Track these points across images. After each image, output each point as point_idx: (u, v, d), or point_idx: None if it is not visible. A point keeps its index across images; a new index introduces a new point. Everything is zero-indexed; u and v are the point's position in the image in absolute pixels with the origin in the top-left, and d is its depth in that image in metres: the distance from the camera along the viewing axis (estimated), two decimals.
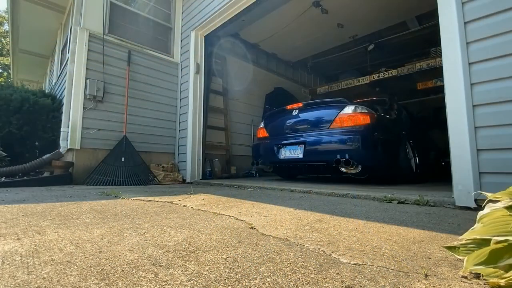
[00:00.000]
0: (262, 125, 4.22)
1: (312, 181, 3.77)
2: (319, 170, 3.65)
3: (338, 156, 2.93)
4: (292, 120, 3.70)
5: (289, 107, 3.79)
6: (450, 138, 1.85)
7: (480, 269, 0.67)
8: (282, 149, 3.64)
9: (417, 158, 3.67)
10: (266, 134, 4.09)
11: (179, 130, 4.89)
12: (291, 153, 3.49)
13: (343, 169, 3.02)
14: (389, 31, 6.45)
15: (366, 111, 3.07)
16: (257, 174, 5.77)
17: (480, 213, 0.80)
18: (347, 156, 2.89)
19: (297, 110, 3.66)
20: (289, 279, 0.67)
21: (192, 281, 0.65)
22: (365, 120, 3.03)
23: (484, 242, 0.72)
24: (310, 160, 3.28)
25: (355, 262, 0.79)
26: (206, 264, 0.76)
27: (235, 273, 0.70)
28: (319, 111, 3.45)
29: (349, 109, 3.15)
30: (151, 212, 1.54)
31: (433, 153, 5.07)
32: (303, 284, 0.65)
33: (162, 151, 4.76)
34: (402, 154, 3.33)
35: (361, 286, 0.64)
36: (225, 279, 0.66)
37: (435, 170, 5.10)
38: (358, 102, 3.29)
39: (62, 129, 4.04)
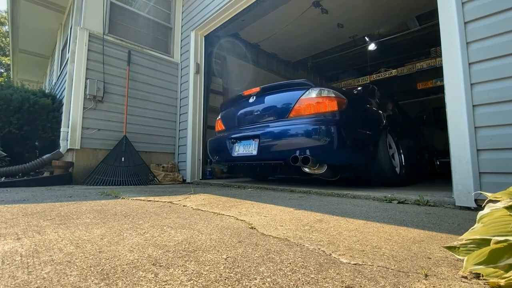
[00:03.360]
0: (219, 116, 3.60)
1: (311, 182, 3.75)
2: (278, 170, 3.03)
3: (297, 153, 2.37)
4: (248, 109, 3.06)
5: (245, 92, 3.17)
6: (450, 138, 1.85)
7: (480, 269, 0.67)
8: (236, 144, 3.04)
9: (402, 156, 3.18)
10: (222, 127, 3.43)
11: (179, 130, 4.89)
12: (245, 149, 2.89)
13: (306, 169, 2.42)
14: (389, 31, 6.46)
15: (334, 96, 2.49)
16: (211, 174, 4.78)
17: (480, 213, 0.80)
18: (307, 152, 2.33)
19: (254, 97, 3.05)
20: (289, 279, 0.67)
21: (192, 281, 0.65)
22: (332, 106, 2.46)
23: (484, 242, 0.72)
24: (265, 158, 2.69)
25: (355, 262, 0.79)
26: (206, 264, 0.76)
27: (235, 273, 0.70)
28: (278, 96, 2.84)
29: (312, 93, 2.57)
30: (151, 212, 1.54)
31: (426, 152, 4.68)
32: (303, 284, 0.65)
33: (162, 151, 4.77)
34: (382, 151, 2.78)
35: (361, 286, 0.64)
36: (225, 279, 0.66)
37: (428, 170, 4.71)
38: (328, 86, 2.70)
39: (62, 129, 4.04)
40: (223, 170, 4.70)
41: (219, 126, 3.51)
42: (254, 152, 2.76)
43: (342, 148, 2.39)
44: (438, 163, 5.63)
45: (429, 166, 4.80)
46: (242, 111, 3.17)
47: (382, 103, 3.36)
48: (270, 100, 2.91)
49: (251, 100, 3.08)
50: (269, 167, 2.98)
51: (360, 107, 2.86)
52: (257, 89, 3.05)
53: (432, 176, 4.80)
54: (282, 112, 2.73)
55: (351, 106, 2.61)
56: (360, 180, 3.55)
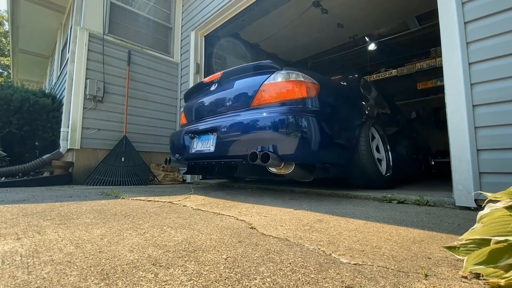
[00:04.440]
0: (183, 108, 3.20)
1: (311, 182, 3.72)
2: (241, 170, 2.54)
3: (259, 149, 1.96)
4: (209, 98, 2.69)
5: (206, 79, 2.81)
6: (450, 138, 1.85)
7: (480, 269, 0.67)
8: (195, 140, 2.66)
9: (389, 154, 2.84)
10: (184, 120, 3.05)
11: None
12: (203, 145, 2.51)
13: (272, 169, 2.04)
14: (389, 31, 6.46)
15: (302, 80, 2.10)
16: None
17: (480, 213, 0.80)
18: (270, 148, 1.94)
19: (216, 84, 2.70)
20: (289, 279, 0.67)
21: (192, 281, 0.65)
22: (300, 92, 2.07)
23: (484, 242, 0.72)
24: (223, 155, 2.29)
25: (355, 262, 0.79)
26: (206, 264, 0.76)
27: (235, 273, 0.70)
28: (241, 82, 2.45)
29: (277, 77, 2.18)
30: (151, 212, 1.54)
31: (420, 150, 4.38)
32: (303, 284, 0.65)
33: (162, 151, 4.77)
34: (364, 148, 2.41)
35: (361, 286, 0.64)
36: (225, 279, 0.66)
37: (422, 170, 4.41)
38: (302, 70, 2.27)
39: (62, 129, 4.04)
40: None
41: (182, 119, 3.10)
42: (212, 149, 2.36)
43: (311, 143, 1.98)
44: (433, 163, 5.31)
45: (423, 166, 4.51)
46: (202, 100, 2.78)
47: (367, 94, 3.05)
48: (232, 87, 2.51)
49: (212, 88, 2.71)
50: (230, 166, 2.54)
51: (337, 95, 2.48)
52: (218, 74, 2.68)
53: (426, 177, 4.53)
54: (243, 101, 2.32)
55: (325, 93, 2.23)
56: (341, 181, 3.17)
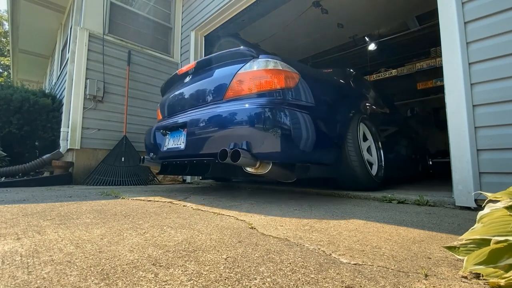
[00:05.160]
0: (160, 103, 2.99)
1: (312, 182, 3.73)
2: (213, 170, 2.35)
3: (231, 146, 1.79)
4: (183, 91, 2.50)
5: (180, 71, 2.62)
6: (450, 138, 1.85)
7: (480, 269, 0.67)
8: (167, 136, 2.48)
9: (381, 153, 2.66)
10: (160, 116, 2.88)
11: None
12: (175, 142, 2.33)
13: (249, 169, 1.83)
14: (389, 31, 6.46)
15: (280, 68, 1.91)
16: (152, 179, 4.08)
17: (480, 213, 0.80)
18: (244, 145, 1.75)
19: (190, 75, 2.53)
20: (289, 279, 0.67)
21: (192, 281, 0.65)
22: (277, 83, 1.88)
23: (484, 242, 0.72)
24: (194, 153, 2.10)
25: (355, 262, 0.79)
26: (206, 264, 0.76)
27: (235, 273, 0.70)
28: (215, 72, 2.25)
29: (253, 66, 1.98)
30: (151, 212, 1.54)
31: (417, 149, 4.17)
32: (303, 284, 0.65)
33: None
34: (351, 146, 2.22)
35: (361, 286, 0.64)
36: (225, 279, 0.66)
37: (419, 171, 4.22)
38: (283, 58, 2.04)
39: (62, 129, 4.05)
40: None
41: (158, 114, 2.92)
42: (182, 146, 2.18)
43: (289, 140, 1.78)
44: (430, 163, 5.13)
45: (420, 166, 4.31)
46: (176, 94, 2.60)
47: (357, 88, 2.88)
48: (206, 78, 2.31)
49: (186, 79, 2.54)
50: (203, 165, 2.35)
51: (321, 86, 2.25)
52: (192, 64, 2.50)
53: (424, 178, 4.38)
54: (217, 93, 2.13)
55: (306, 84, 2.03)
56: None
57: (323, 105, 2.17)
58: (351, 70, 3.17)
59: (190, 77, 2.52)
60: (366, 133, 2.58)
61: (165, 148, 2.46)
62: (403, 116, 4.18)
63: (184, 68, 2.58)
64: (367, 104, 2.86)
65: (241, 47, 2.18)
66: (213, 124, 1.95)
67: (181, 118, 2.29)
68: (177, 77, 2.69)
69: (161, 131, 2.53)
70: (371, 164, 2.50)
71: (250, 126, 1.76)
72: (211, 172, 2.31)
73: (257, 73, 1.95)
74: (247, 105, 1.83)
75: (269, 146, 1.74)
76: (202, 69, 2.43)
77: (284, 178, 1.95)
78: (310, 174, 2.02)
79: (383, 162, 2.63)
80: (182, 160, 2.31)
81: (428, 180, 4.16)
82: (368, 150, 2.57)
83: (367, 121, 2.59)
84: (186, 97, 2.45)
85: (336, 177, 2.32)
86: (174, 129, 2.38)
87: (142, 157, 2.65)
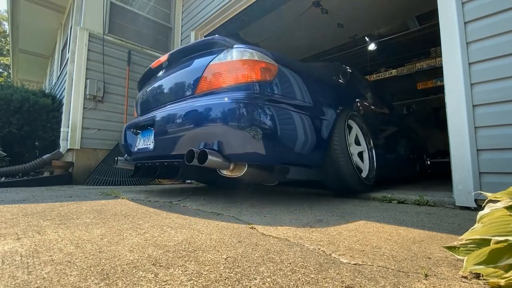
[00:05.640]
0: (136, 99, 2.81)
1: (311, 182, 3.70)
2: (184, 173, 2.15)
3: (201, 146, 1.64)
4: (156, 86, 2.32)
5: (154, 64, 2.43)
6: (450, 138, 1.85)
7: (480, 269, 0.67)
8: (139, 136, 2.30)
9: (373, 153, 2.46)
10: (135, 114, 2.69)
11: None
12: (145, 142, 2.16)
13: (224, 172, 1.68)
14: (389, 31, 6.47)
15: (257, 59, 1.74)
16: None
17: (480, 213, 0.80)
18: (215, 145, 1.60)
19: (164, 69, 2.37)
20: (289, 279, 0.67)
21: (192, 281, 0.65)
22: (252, 75, 1.70)
23: (484, 242, 0.72)
24: (163, 154, 1.96)
25: (355, 262, 0.79)
26: (206, 264, 0.76)
27: (235, 273, 0.70)
28: (188, 64, 2.06)
29: (226, 56, 1.81)
30: (151, 212, 1.54)
31: (414, 149, 4.02)
32: (303, 284, 0.65)
33: None
34: (338, 146, 2.02)
35: (361, 286, 0.64)
36: (225, 279, 0.66)
37: (417, 171, 4.05)
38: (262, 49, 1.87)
39: (62, 129, 4.05)
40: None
41: (135, 112, 2.73)
42: (151, 146, 2.02)
43: (265, 139, 1.60)
44: (429, 162, 4.95)
45: (418, 166, 4.16)
46: (149, 89, 2.41)
47: (348, 83, 2.72)
48: (178, 71, 2.13)
49: (160, 73, 2.37)
50: (174, 168, 2.16)
51: (303, 79, 2.02)
52: (165, 57, 2.31)
53: (421, 178, 4.24)
54: (188, 87, 1.95)
55: (286, 77, 1.87)
56: None
57: (306, 100, 1.97)
58: (343, 64, 3.03)
59: (164, 70, 2.35)
60: (357, 132, 2.41)
61: (136, 149, 2.28)
62: (399, 114, 4.03)
63: (158, 61, 2.38)
64: (358, 100, 2.69)
65: (215, 35, 1.99)
66: (182, 122, 1.78)
67: (151, 116, 2.10)
68: (151, 71, 2.50)
69: (132, 130, 2.37)
70: (360, 167, 2.32)
71: (221, 124, 1.60)
72: (182, 175, 2.14)
73: (230, 65, 1.77)
74: (218, 101, 1.65)
75: (242, 146, 1.58)
76: (176, 61, 2.24)
77: (264, 181, 1.81)
78: (290, 176, 1.83)
79: (375, 163, 2.44)
80: (154, 162, 2.14)
81: (428, 180, 4.16)
82: (359, 152, 2.41)
83: (358, 118, 2.41)
84: (158, 92, 2.26)
85: (322, 180, 2.10)
86: (144, 128, 2.20)
87: (116, 158, 2.48)
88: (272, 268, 0.74)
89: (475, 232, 0.75)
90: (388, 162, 2.94)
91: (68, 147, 3.87)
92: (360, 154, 2.41)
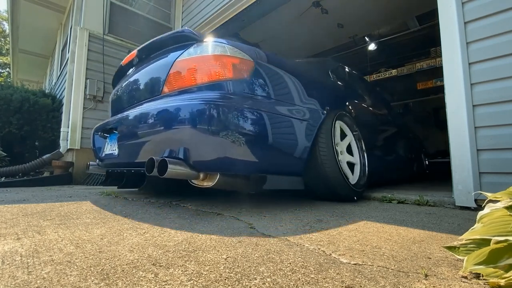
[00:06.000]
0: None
1: None
2: (150, 183, 1.96)
3: (166, 153, 1.47)
4: (125, 85, 2.15)
5: (124, 62, 2.23)
6: (450, 138, 1.85)
7: (480, 269, 0.67)
8: (107, 139, 2.12)
9: (365, 154, 2.25)
10: (109, 115, 2.46)
11: None
12: (111, 146, 2.00)
13: (195, 182, 1.50)
14: (389, 31, 6.46)
15: (229, 54, 1.57)
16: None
17: (480, 213, 0.80)
18: (180, 152, 1.42)
19: (134, 66, 2.17)
20: (289, 279, 0.67)
21: (192, 281, 0.65)
22: (225, 72, 1.52)
23: (484, 242, 0.72)
24: (127, 161, 1.82)
25: (355, 262, 0.79)
26: (206, 264, 0.76)
27: (235, 273, 0.70)
28: (156, 61, 1.90)
29: (194, 51, 1.64)
30: (151, 212, 1.54)
31: (411, 149, 3.88)
32: (303, 284, 0.65)
33: None
34: (325, 151, 1.84)
35: (361, 286, 0.64)
36: (225, 279, 0.66)
37: (414, 172, 3.91)
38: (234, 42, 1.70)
39: (62, 129, 4.05)
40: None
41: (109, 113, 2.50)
42: (116, 152, 1.87)
43: (237, 145, 1.42)
44: (427, 163, 4.79)
45: (415, 167, 4.01)
46: (119, 89, 2.24)
47: (338, 80, 2.55)
48: (146, 69, 1.96)
49: (130, 71, 2.19)
50: (141, 176, 1.98)
51: (284, 76, 1.83)
52: (133, 53, 2.12)
53: (419, 179, 4.13)
54: (154, 87, 1.79)
55: (264, 74, 1.68)
56: None
57: (286, 100, 1.77)
58: (333, 60, 2.89)
59: (134, 68, 2.16)
60: (346, 132, 2.21)
61: (103, 154, 2.11)
62: (396, 113, 3.86)
63: (128, 57, 2.18)
64: (349, 99, 2.51)
65: (185, 28, 1.81)
66: (146, 125, 1.60)
67: (117, 118, 1.93)
68: (122, 69, 2.30)
69: (100, 133, 2.19)
70: (352, 168, 2.14)
71: (186, 129, 1.41)
72: (148, 186, 1.87)
73: (199, 61, 1.59)
74: (183, 102, 1.47)
75: (212, 154, 1.41)
76: (146, 58, 2.06)
77: (242, 190, 1.61)
78: (268, 187, 1.64)
79: (366, 167, 2.22)
80: (123, 169, 1.97)
81: (428, 180, 4.16)
82: (349, 152, 2.21)
83: (348, 119, 2.21)
84: (126, 92, 2.09)
85: (307, 189, 1.92)
86: (111, 131, 2.03)
87: (88, 163, 2.31)
88: (272, 268, 0.74)
89: (475, 232, 0.75)
90: (382, 164, 2.80)
91: (68, 147, 3.87)
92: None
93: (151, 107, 1.63)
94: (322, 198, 2.02)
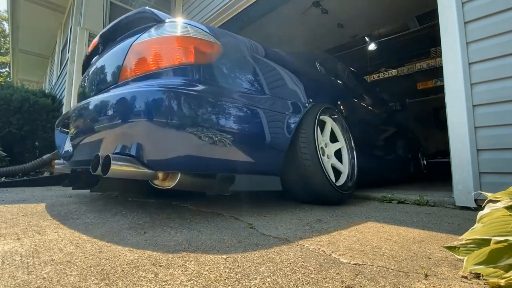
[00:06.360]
0: None
1: None
2: (104, 184, 1.73)
3: (118, 150, 1.27)
4: (87, 75, 1.99)
5: (89, 49, 2.03)
6: (450, 138, 1.85)
7: (480, 269, 0.67)
8: (68, 135, 1.90)
9: (354, 154, 2.05)
10: None
11: None
12: (70, 142, 1.79)
13: (156, 183, 1.33)
14: (389, 31, 6.47)
15: (192, 36, 1.38)
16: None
17: (480, 213, 0.80)
18: (133, 148, 1.23)
19: (98, 54, 1.99)
20: (289, 279, 0.67)
21: (192, 281, 0.65)
22: (186, 56, 1.34)
23: (484, 242, 0.72)
24: (79, 159, 1.66)
25: (355, 262, 0.79)
26: (206, 264, 0.76)
27: (235, 273, 0.70)
28: (114, 47, 1.71)
29: (153, 33, 1.46)
30: (151, 212, 1.54)
31: (408, 148, 3.73)
32: (303, 284, 0.65)
33: None
34: (306, 150, 1.65)
35: (361, 286, 0.64)
36: (225, 279, 0.66)
37: (411, 172, 3.76)
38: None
39: None
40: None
41: None
42: (70, 148, 1.72)
43: (199, 140, 1.24)
44: (425, 162, 4.63)
45: (412, 167, 3.84)
46: (83, 79, 2.05)
47: (326, 72, 2.39)
48: (106, 55, 1.77)
49: (93, 60, 2.02)
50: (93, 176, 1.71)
51: (258, 64, 1.65)
52: (95, 41, 1.93)
53: (421, 179, 4.04)
54: (111, 74, 1.61)
55: (235, 60, 1.52)
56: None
57: (260, 90, 1.59)
58: (323, 53, 2.77)
59: (98, 57, 1.98)
60: (334, 130, 2.02)
61: (63, 151, 1.92)
62: (391, 109, 3.70)
63: (92, 44, 1.99)
64: (339, 93, 2.36)
65: (145, 7, 1.62)
66: (97, 118, 1.43)
67: (71, 111, 1.78)
68: (88, 58, 2.12)
69: (59, 128, 1.99)
70: (337, 172, 1.95)
71: (139, 121, 1.23)
72: (103, 186, 1.70)
73: (157, 43, 1.41)
74: (136, 90, 1.29)
75: (169, 150, 1.23)
76: (109, 44, 1.86)
77: (208, 191, 1.47)
78: (238, 187, 1.44)
79: (355, 167, 2.03)
80: (84, 168, 1.72)
81: (428, 180, 4.16)
82: (337, 152, 2.01)
83: (335, 113, 2.02)
84: (88, 83, 1.92)
85: (286, 190, 1.76)
86: (68, 125, 1.84)
87: (53, 161, 2.13)
88: (272, 268, 0.74)
89: (475, 232, 0.75)
90: (375, 163, 2.66)
91: None
92: (338, 157, 2.02)
93: (103, 97, 1.43)
94: (304, 201, 1.86)
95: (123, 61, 1.52)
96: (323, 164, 1.71)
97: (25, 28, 6.50)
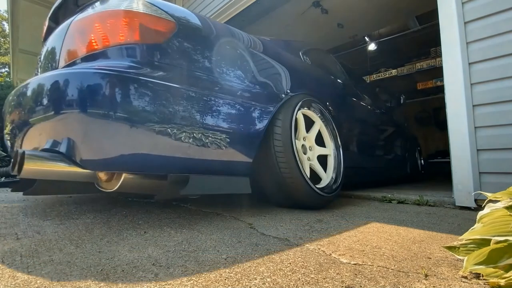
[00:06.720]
0: None
1: None
2: (40, 186, 1.47)
3: (47, 146, 1.12)
4: (38, 64, 1.85)
5: (42, 37, 1.88)
6: (450, 138, 1.85)
7: (480, 269, 0.67)
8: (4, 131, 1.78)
9: (341, 151, 1.88)
10: None
11: None
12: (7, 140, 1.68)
13: (100, 184, 1.23)
14: (389, 31, 6.47)
15: (140, 11, 1.17)
16: None
17: (480, 213, 0.80)
18: (63, 144, 1.05)
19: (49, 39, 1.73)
20: (289, 279, 0.67)
21: (192, 281, 0.65)
22: (132, 34, 1.14)
23: (484, 242, 0.72)
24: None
25: (355, 262, 0.79)
26: (206, 264, 0.76)
27: (235, 273, 0.70)
28: (57, 29, 1.55)
29: (97, 7, 1.29)
30: (151, 212, 1.54)
31: (404, 147, 3.61)
32: (303, 284, 0.65)
33: None
34: (281, 147, 1.48)
35: (361, 286, 0.64)
36: (225, 279, 0.66)
37: (408, 172, 3.63)
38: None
39: None
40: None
41: None
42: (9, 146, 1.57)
43: (147, 134, 1.07)
44: (422, 162, 4.44)
45: (408, 167, 3.67)
46: (35, 69, 1.94)
47: (310, 61, 2.27)
48: (50, 40, 1.61)
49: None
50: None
51: (224, 49, 1.45)
52: (46, 25, 1.76)
53: (419, 179, 3.98)
54: (53, 59, 1.44)
55: (194, 41, 1.30)
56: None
57: (223, 76, 1.38)
58: (307, 42, 2.56)
59: (43, 42, 1.81)
60: (320, 127, 1.85)
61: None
62: (384, 106, 3.52)
63: (43, 32, 1.82)
64: (325, 86, 2.22)
65: None
66: (31, 109, 1.22)
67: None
68: (42, 46, 1.91)
69: None
70: (323, 167, 1.80)
71: (73, 112, 1.03)
72: (36, 189, 1.47)
73: (98, 19, 1.22)
74: (70, 76, 1.08)
75: (106, 147, 1.05)
76: (58, 25, 1.62)
77: (160, 196, 1.29)
78: (192, 190, 1.23)
79: (342, 167, 1.86)
80: None
81: (428, 180, 4.16)
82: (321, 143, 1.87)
83: (319, 107, 1.85)
84: (36, 72, 1.77)
85: (258, 193, 1.62)
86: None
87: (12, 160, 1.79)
88: (272, 268, 0.74)
89: (475, 232, 0.75)
90: (364, 163, 2.50)
91: None
92: (323, 157, 1.85)
93: (38, 84, 1.23)
94: (280, 205, 1.70)
95: (62, 42, 1.35)
96: (301, 164, 1.53)
97: (25, 28, 6.50)
